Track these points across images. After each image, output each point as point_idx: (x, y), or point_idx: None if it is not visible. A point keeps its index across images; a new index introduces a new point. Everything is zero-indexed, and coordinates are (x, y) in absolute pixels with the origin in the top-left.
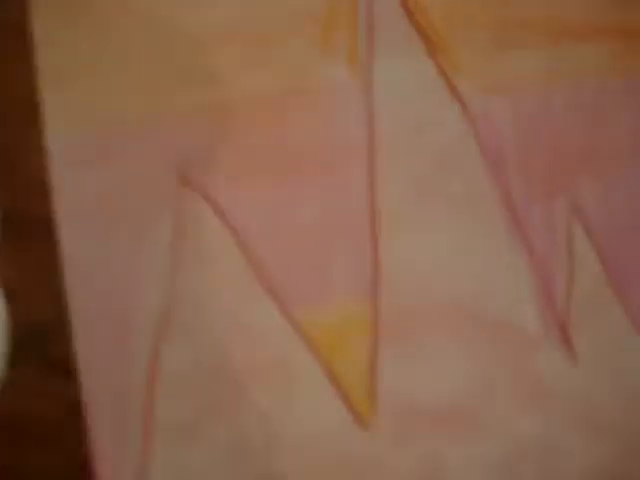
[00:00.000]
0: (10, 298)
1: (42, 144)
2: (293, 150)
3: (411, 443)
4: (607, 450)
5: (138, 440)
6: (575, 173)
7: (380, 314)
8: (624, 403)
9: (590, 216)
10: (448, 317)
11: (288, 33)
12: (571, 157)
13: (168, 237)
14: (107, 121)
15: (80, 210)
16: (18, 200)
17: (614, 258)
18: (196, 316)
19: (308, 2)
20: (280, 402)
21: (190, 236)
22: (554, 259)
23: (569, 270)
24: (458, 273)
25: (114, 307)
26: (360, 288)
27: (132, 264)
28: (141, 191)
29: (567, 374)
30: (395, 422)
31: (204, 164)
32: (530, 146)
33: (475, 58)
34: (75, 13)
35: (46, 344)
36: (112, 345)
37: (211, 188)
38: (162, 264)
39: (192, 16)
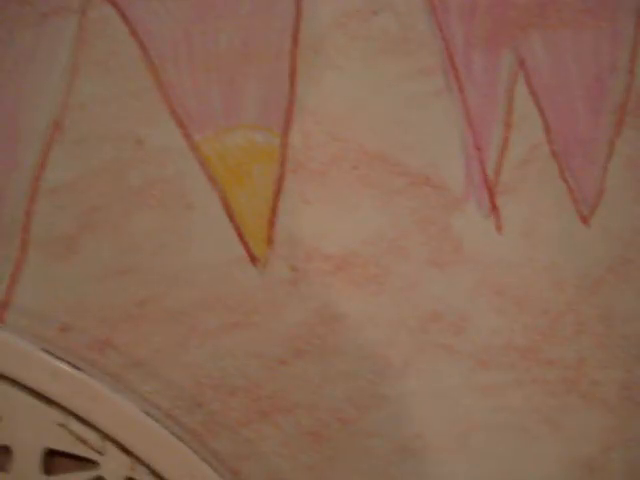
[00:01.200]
0: None
1: None
2: None
3: (306, 287)
4: (517, 323)
5: (13, 249)
6: (523, 27)
7: (289, 148)
8: (544, 276)
9: (536, 75)
10: (364, 163)
11: None
12: (520, 9)
13: (70, 41)
14: None
15: None
16: None
17: (557, 123)
18: (90, 127)
19: None
20: (172, 227)
21: (93, 43)
22: (490, 115)
23: (505, 128)
24: (380, 118)
25: (5, 108)
26: (271, 118)
27: (29, 65)
28: None
29: (488, 240)
30: (291, 264)
31: None
32: None
33: None
34: None
35: None
36: None
37: None
38: (60, 68)
39: None
